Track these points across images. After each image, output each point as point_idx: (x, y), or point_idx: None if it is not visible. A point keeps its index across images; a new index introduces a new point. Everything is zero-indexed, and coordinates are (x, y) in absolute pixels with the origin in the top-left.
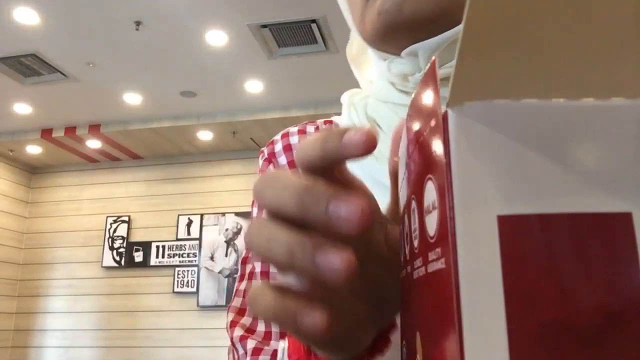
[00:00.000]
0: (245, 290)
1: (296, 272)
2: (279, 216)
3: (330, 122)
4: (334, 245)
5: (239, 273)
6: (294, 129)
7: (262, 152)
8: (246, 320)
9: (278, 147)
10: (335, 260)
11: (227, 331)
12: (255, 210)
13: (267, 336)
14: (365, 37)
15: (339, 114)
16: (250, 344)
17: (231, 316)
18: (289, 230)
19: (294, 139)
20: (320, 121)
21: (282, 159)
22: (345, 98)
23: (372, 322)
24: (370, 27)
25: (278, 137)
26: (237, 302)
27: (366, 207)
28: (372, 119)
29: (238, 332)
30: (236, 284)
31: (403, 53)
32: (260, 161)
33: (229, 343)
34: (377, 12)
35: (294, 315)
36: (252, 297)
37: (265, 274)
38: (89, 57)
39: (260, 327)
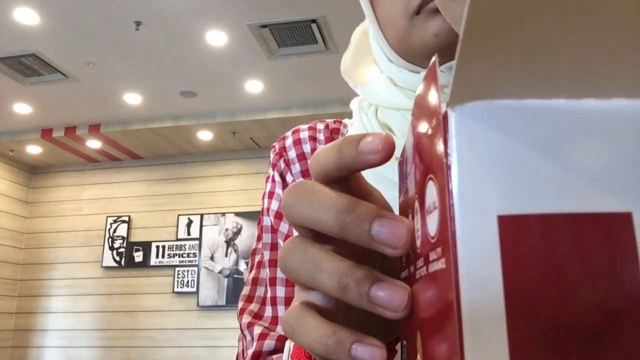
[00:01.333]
0: (253, 278)
1: (346, 301)
2: (311, 231)
3: (340, 122)
4: (389, 279)
5: (249, 264)
6: (304, 126)
7: (274, 147)
8: (254, 306)
9: (289, 141)
10: (394, 297)
11: (237, 318)
12: (266, 202)
13: (274, 321)
14: (408, 53)
15: (340, 114)
16: (257, 329)
17: (240, 304)
18: (336, 258)
19: (304, 134)
20: (330, 120)
21: (292, 153)
22: (354, 104)
23: (382, 337)
24: (420, 44)
25: (289, 132)
26: (246, 290)
27: (411, 229)
28: (383, 123)
29: (246, 319)
30: (247, 274)
31: (443, 67)
32: (272, 155)
33: (239, 333)
34: (434, 33)
35: (349, 348)
36: (291, 325)
37: (273, 262)
38: (89, 57)
39: (268, 313)
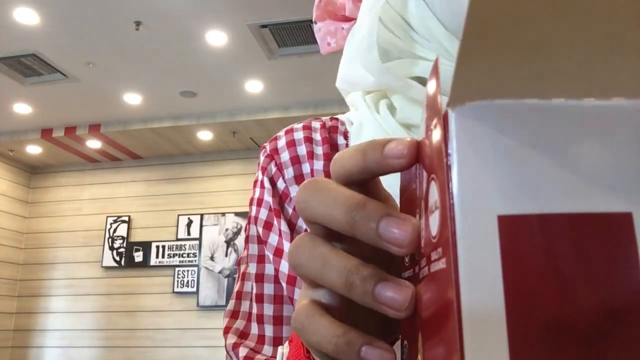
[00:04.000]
0: (237, 292)
1: (352, 299)
2: (322, 229)
3: (337, 119)
4: (394, 279)
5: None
6: (298, 125)
7: (264, 147)
8: (239, 323)
9: (281, 142)
10: (397, 296)
11: (223, 337)
12: (254, 209)
13: (261, 340)
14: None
15: (338, 114)
16: (242, 352)
17: (225, 321)
18: (344, 255)
19: (298, 135)
20: (325, 118)
21: (285, 155)
22: (358, 99)
23: (383, 337)
24: None
25: (282, 133)
26: (230, 304)
27: (418, 229)
28: (405, 124)
29: (231, 339)
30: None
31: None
32: (262, 157)
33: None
34: None
35: (358, 350)
36: (301, 323)
37: (260, 277)
38: (89, 57)
39: (254, 330)
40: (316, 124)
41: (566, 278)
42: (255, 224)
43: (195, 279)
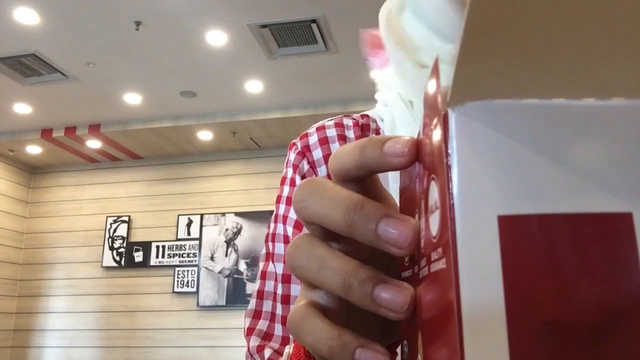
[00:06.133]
0: (258, 291)
1: (350, 301)
2: (320, 229)
3: (367, 116)
4: (393, 281)
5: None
6: (329, 122)
7: (295, 144)
8: (262, 324)
9: (313, 139)
10: (396, 298)
11: (245, 337)
12: (282, 207)
13: (285, 341)
14: None
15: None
16: (267, 353)
17: (247, 322)
18: (341, 257)
19: (331, 132)
20: (357, 115)
21: (318, 153)
22: (392, 96)
23: (382, 339)
24: None
25: (312, 129)
26: (252, 304)
27: (417, 229)
28: None
29: (255, 341)
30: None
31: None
32: (293, 155)
33: (245, 350)
34: None
35: (352, 352)
36: (296, 324)
37: (287, 277)
38: (89, 57)
39: (278, 332)
40: (348, 121)
41: (566, 278)
42: (284, 223)
43: (195, 279)
